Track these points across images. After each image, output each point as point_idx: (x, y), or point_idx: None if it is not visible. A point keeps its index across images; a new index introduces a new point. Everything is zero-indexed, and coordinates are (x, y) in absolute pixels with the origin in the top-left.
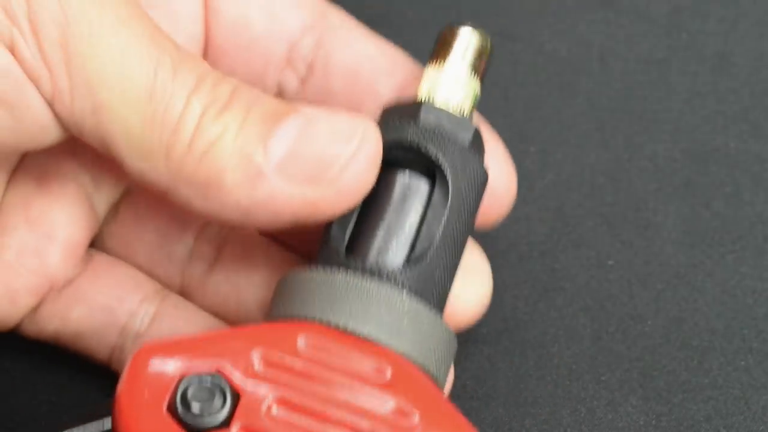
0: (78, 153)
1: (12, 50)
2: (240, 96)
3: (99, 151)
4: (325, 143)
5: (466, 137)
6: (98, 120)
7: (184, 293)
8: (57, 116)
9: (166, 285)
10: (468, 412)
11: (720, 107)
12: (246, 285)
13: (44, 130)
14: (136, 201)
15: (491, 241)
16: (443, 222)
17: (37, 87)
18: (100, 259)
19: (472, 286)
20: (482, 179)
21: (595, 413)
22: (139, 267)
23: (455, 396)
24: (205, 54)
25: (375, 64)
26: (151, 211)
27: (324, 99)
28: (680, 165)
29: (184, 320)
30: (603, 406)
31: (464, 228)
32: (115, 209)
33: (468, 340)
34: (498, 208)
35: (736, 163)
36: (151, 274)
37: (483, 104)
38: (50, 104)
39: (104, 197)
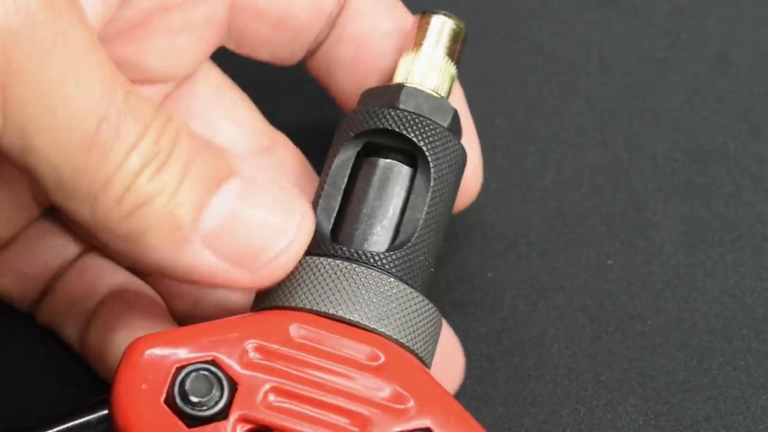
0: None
1: None
2: (181, 150)
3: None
4: (259, 229)
5: (446, 119)
6: (26, 159)
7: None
8: None
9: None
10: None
11: (720, 107)
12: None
13: None
14: None
15: (491, 241)
16: (426, 206)
17: None
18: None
19: (449, 368)
20: (462, 159)
21: (595, 413)
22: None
23: (455, 397)
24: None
25: (386, 40)
26: None
27: (331, 69)
28: (680, 165)
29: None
30: (602, 405)
31: (446, 209)
32: None
33: (468, 339)
34: (466, 194)
35: (736, 163)
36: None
37: (483, 104)
38: None
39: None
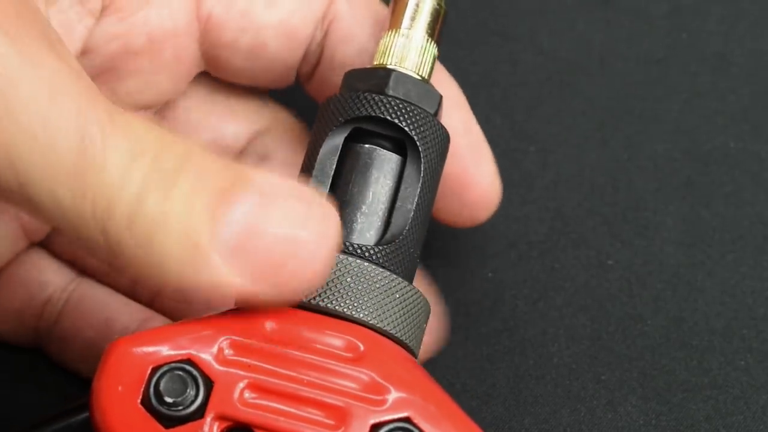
0: None
1: None
2: (187, 164)
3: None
4: (280, 243)
5: (433, 106)
6: (25, 192)
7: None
8: None
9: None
10: (468, 411)
11: (720, 107)
12: None
13: None
14: None
15: (491, 241)
16: (416, 197)
17: None
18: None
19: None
20: (446, 142)
21: (595, 413)
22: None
23: (455, 396)
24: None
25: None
26: None
27: (328, 93)
28: (680, 165)
29: (98, 300)
30: (603, 405)
31: (433, 198)
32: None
33: (468, 339)
34: (487, 207)
35: (736, 163)
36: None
37: (483, 104)
38: None
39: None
